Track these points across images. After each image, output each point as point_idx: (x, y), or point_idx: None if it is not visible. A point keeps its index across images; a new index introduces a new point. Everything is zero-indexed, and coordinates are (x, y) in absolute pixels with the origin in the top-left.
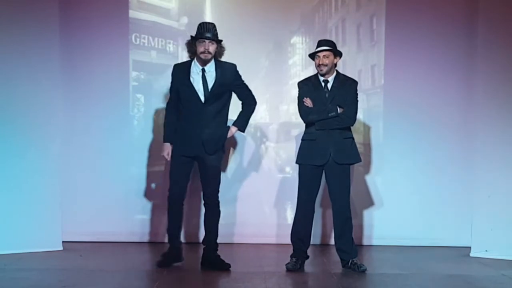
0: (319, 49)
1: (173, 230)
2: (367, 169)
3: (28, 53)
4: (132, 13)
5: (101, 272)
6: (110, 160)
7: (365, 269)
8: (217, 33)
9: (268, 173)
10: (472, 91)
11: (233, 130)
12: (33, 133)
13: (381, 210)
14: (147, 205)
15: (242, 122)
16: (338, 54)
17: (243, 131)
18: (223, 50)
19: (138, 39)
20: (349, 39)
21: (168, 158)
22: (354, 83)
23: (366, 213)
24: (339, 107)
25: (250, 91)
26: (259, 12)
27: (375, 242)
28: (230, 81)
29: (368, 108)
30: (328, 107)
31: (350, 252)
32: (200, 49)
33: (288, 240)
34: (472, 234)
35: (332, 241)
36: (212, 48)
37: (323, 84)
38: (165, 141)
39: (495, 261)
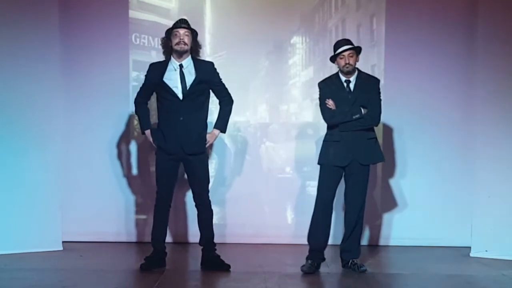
0: (345, 47)
1: (158, 234)
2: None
3: (28, 53)
4: (132, 13)
5: (101, 272)
6: (110, 160)
7: (365, 270)
8: (190, 27)
9: (268, 173)
10: (472, 91)
11: (216, 133)
12: (33, 133)
13: (381, 210)
14: (147, 205)
15: (223, 123)
16: (360, 52)
17: (224, 132)
18: (199, 47)
19: (138, 39)
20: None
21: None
22: (377, 81)
23: (366, 213)
24: (363, 107)
25: (227, 90)
26: (259, 12)
27: (375, 242)
28: (209, 78)
29: None
30: (352, 109)
31: (353, 252)
32: (175, 40)
33: (288, 240)
34: (472, 234)
35: (332, 241)
36: (187, 39)
37: (345, 84)
38: (145, 129)
39: (495, 261)
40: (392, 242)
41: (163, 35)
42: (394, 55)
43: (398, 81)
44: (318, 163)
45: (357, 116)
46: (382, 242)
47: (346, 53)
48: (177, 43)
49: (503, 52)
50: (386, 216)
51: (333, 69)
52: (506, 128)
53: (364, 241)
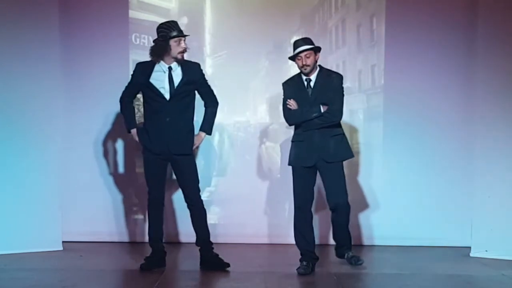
0: (300, 49)
1: (155, 234)
2: (367, 169)
3: (28, 53)
4: (132, 13)
5: (101, 272)
6: (110, 160)
7: (362, 262)
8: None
9: (268, 173)
10: (472, 91)
11: (202, 135)
12: (33, 133)
13: (381, 210)
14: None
15: (208, 125)
16: (318, 50)
17: (210, 134)
18: (187, 49)
19: (138, 39)
20: (349, 39)
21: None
22: (338, 77)
23: (366, 213)
24: (323, 105)
25: (213, 91)
26: (259, 12)
27: (375, 242)
28: (196, 78)
29: (368, 108)
30: (311, 108)
31: (347, 245)
32: (179, 48)
33: (288, 240)
34: (472, 234)
35: (331, 241)
36: (185, 47)
37: (305, 83)
38: (130, 128)
39: (495, 261)
40: (391, 242)
41: None
42: (394, 55)
43: (398, 81)
44: (288, 165)
45: (316, 114)
46: (381, 242)
47: (302, 54)
48: (182, 52)
49: (503, 52)
50: (385, 216)
51: (334, 68)
52: (506, 128)
53: (364, 241)
